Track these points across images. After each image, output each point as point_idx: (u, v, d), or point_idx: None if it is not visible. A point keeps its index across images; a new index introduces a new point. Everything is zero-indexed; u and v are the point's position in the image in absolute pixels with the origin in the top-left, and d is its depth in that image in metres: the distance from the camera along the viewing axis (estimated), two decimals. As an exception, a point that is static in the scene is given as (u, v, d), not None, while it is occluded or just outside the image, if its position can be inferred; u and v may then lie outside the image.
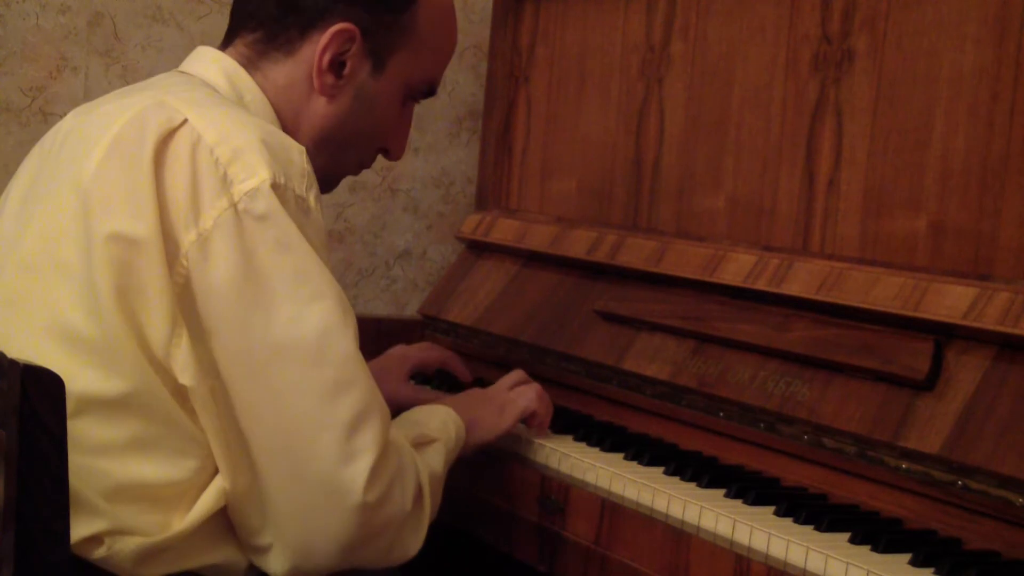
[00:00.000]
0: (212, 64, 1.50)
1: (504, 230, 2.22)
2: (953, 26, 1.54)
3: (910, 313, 1.50)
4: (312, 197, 1.35)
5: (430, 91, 1.61)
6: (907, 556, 1.29)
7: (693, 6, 1.92)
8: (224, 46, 1.53)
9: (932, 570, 1.27)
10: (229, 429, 1.32)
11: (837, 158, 1.68)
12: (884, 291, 1.54)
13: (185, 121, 1.32)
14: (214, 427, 1.32)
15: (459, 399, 1.67)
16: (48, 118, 2.21)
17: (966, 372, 1.44)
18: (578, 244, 2.04)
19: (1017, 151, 1.47)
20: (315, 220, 1.35)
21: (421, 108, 2.48)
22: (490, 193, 2.35)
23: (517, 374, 1.75)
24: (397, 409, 1.74)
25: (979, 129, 1.50)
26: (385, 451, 1.33)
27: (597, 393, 1.89)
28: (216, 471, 1.34)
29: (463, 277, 2.26)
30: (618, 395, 1.85)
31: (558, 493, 1.61)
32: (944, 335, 1.47)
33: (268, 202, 1.29)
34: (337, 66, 1.50)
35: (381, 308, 2.52)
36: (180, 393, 1.31)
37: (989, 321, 1.41)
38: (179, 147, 1.31)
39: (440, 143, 2.54)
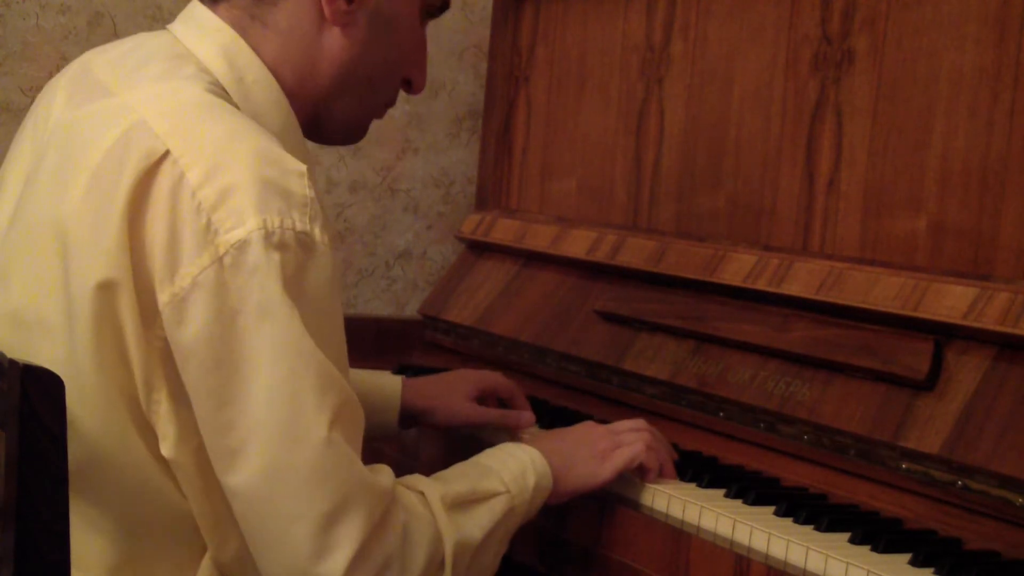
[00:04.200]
0: (208, 38, 1.35)
1: (504, 230, 2.22)
2: (953, 26, 1.54)
3: (910, 313, 1.49)
4: (317, 228, 1.22)
5: (444, 4, 1.49)
6: (907, 556, 1.29)
7: (693, 6, 1.92)
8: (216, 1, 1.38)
9: (932, 570, 1.26)
10: (215, 493, 1.24)
11: (837, 158, 1.68)
12: (884, 291, 1.54)
13: (167, 153, 1.20)
14: (198, 491, 1.25)
15: (557, 440, 1.51)
16: (48, 118, 2.21)
17: (966, 372, 1.44)
18: (578, 244, 2.03)
19: (1017, 151, 1.47)
20: (320, 256, 1.22)
21: (421, 108, 2.51)
22: (490, 193, 2.35)
23: (635, 421, 1.57)
24: (458, 427, 1.72)
25: (979, 129, 1.50)
26: (371, 539, 1.22)
27: (597, 393, 1.88)
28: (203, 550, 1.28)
29: (463, 277, 2.26)
30: (618, 395, 1.85)
31: (558, 493, 1.61)
32: (944, 335, 1.47)
33: (256, 257, 1.18)
34: None
35: (381, 308, 2.52)
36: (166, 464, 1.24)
37: (989, 321, 1.41)
38: (159, 188, 1.20)
39: (440, 143, 2.54)
